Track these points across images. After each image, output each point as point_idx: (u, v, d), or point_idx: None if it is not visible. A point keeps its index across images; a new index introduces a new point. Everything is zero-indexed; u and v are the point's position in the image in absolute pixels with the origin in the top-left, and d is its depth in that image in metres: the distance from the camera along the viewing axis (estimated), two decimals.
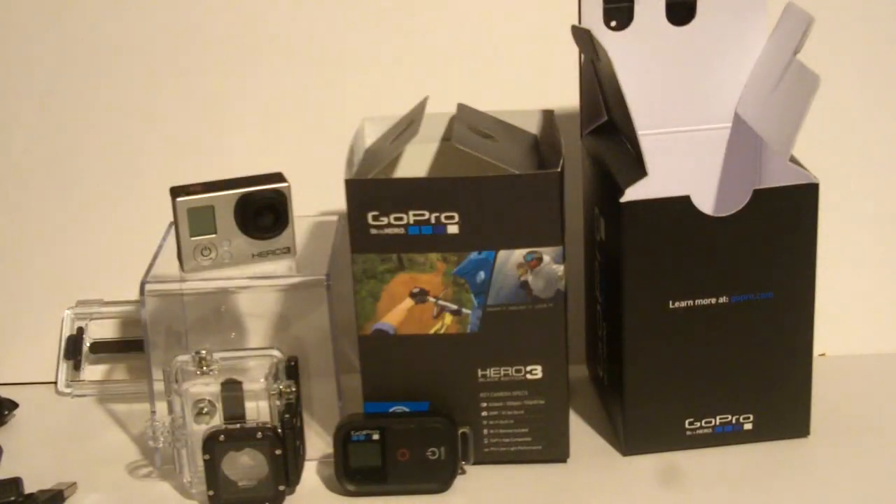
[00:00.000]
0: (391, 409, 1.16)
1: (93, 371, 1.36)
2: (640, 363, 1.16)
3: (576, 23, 1.19)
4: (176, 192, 1.17)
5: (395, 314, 1.14)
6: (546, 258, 1.12)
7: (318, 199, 1.31)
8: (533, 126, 1.23)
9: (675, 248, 1.12)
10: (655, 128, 1.23)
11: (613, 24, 1.20)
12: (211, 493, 1.13)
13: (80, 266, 1.36)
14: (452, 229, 1.11)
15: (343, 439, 1.15)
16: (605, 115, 1.24)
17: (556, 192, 1.10)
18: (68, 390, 1.35)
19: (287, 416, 1.13)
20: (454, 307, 1.13)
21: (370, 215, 1.11)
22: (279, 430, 1.13)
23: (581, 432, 1.22)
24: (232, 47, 1.31)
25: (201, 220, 1.17)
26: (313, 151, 1.32)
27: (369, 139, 1.23)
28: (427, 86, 1.23)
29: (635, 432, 1.18)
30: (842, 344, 1.34)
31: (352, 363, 1.23)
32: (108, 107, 1.33)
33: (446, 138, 1.23)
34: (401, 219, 1.10)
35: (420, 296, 1.13)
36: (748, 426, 1.18)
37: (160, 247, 1.23)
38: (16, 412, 1.30)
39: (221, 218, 1.17)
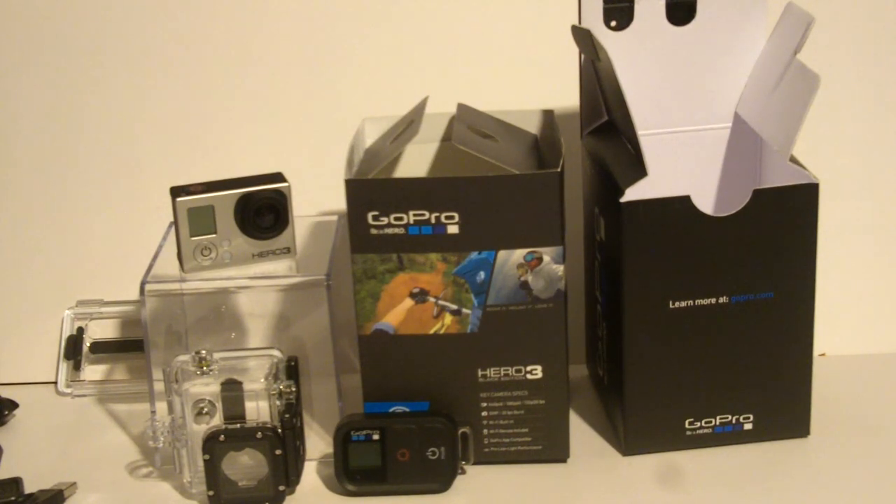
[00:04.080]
0: (391, 409, 1.16)
1: (93, 371, 1.36)
2: (640, 363, 1.16)
3: (576, 23, 1.19)
4: (176, 192, 1.17)
5: (395, 314, 1.14)
6: (546, 258, 1.12)
7: (318, 199, 1.31)
8: (533, 126, 1.23)
9: (675, 248, 1.12)
10: (655, 128, 1.23)
11: (613, 24, 1.20)
12: (211, 493, 1.13)
13: (80, 266, 1.36)
14: (452, 229, 1.11)
15: (343, 439, 1.15)
16: (605, 115, 1.24)
17: (556, 192, 1.10)
18: (68, 390, 1.35)
19: (287, 416, 1.13)
20: (454, 307, 1.13)
21: (370, 215, 1.11)
22: (279, 430, 1.13)
23: (581, 432, 1.22)
24: (232, 47, 1.31)
25: (201, 220, 1.17)
26: (313, 151, 1.32)
27: (369, 139, 1.23)
28: (427, 86, 1.23)
29: (635, 432, 1.18)
30: (842, 344, 1.34)
31: (352, 363, 1.23)
32: (108, 107, 1.33)
33: (446, 138, 1.23)
34: (401, 219, 1.10)
35: (420, 296, 1.13)
36: (748, 426, 1.18)
37: (160, 247, 1.23)
38: (16, 412, 1.30)
39: (221, 218, 1.17)
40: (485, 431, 1.17)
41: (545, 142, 1.22)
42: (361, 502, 1.15)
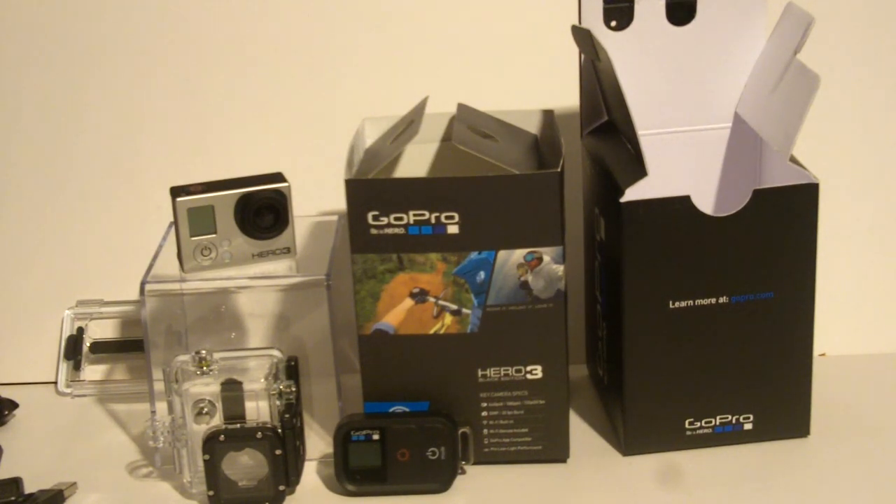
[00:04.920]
0: (391, 409, 1.16)
1: (93, 371, 1.36)
2: (640, 363, 1.16)
3: (576, 23, 1.19)
4: (176, 192, 1.17)
5: (395, 314, 1.14)
6: (546, 258, 1.12)
7: (318, 199, 1.31)
8: (533, 126, 1.23)
9: (675, 248, 1.12)
10: (655, 128, 1.23)
11: (613, 24, 1.20)
12: (211, 493, 1.13)
13: (80, 266, 1.36)
14: (452, 229, 1.11)
15: (343, 439, 1.15)
16: (605, 115, 1.24)
17: (556, 192, 1.10)
18: (68, 390, 1.35)
19: (287, 416, 1.13)
20: (454, 307, 1.13)
21: (370, 215, 1.11)
22: (279, 430, 1.13)
23: (581, 432, 1.22)
24: (232, 47, 1.31)
25: (201, 220, 1.17)
26: (313, 151, 1.32)
27: (369, 139, 1.23)
28: (427, 86, 1.23)
29: (635, 432, 1.18)
30: (842, 344, 1.34)
31: (352, 363, 1.23)
32: (108, 107, 1.33)
33: (446, 138, 1.23)
34: (401, 219, 1.10)
35: (420, 296, 1.13)
36: (748, 426, 1.18)
37: (160, 247, 1.23)
38: (16, 412, 1.30)
39: (221, 218, 1.17)
40: (485, 431, 1.17)
41: (545, 142, 1.22)
42: (361, 502, 1.15)
